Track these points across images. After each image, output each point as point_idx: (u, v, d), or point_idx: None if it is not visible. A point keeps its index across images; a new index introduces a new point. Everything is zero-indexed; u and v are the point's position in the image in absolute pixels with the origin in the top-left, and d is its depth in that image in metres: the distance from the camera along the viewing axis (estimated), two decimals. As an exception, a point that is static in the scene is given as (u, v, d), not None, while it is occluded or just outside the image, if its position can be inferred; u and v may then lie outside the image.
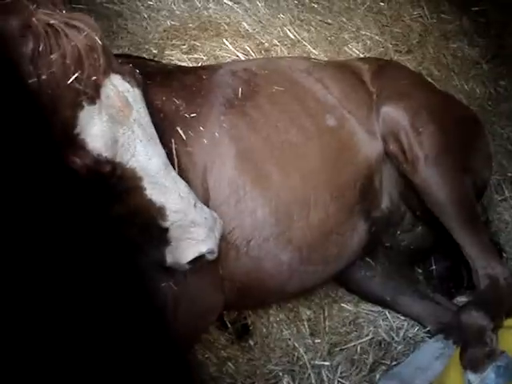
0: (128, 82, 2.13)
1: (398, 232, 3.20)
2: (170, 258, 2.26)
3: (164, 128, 2.50)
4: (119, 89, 2.09)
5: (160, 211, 2.16)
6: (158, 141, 2.19)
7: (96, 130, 2.02)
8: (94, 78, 2.01)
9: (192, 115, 2.63)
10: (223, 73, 2.90)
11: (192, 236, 2.22)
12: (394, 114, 2.99)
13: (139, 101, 2.16)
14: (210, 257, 2.29)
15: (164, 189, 2.15)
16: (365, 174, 2.95)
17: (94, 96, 2.01)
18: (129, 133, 2.09)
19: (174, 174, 2.20)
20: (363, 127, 2.97)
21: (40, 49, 1.94)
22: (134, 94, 2.14)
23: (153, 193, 2.14)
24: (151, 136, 2.16)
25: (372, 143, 2.98)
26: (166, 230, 2.20)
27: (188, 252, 2.24)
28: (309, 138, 2.84)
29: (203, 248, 2.24)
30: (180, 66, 3.31)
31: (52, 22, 1.97)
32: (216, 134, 2.65)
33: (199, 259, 2.28)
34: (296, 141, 2.81)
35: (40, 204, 1.96)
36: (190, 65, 3.62)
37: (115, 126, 2.06)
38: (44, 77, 1.93)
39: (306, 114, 2.88)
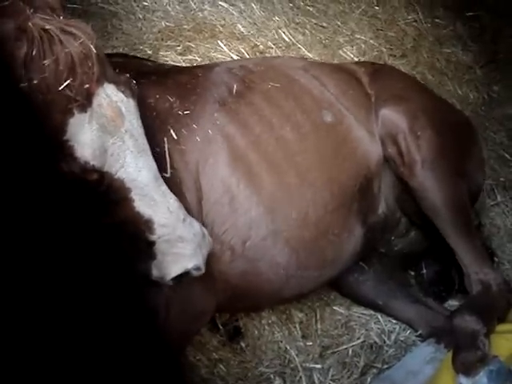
0: (122, 92, 2.10)
1: (393, 237, 3.20)
2: (155, 272, 2.22)
3: (157, 126, 2.49)
4: (112, 98, 2.07)
5: (147, 224, 2.13)
6: (149, 153, 2.16)
7: (85, 138, 1.99)
8: (87, 86, 1.99)
9: (185, 112, 2.61)
10: (219, 70, 2.89)
11: (179, 251, 2.19)
12: (392, 116, 2.99)
13: (133, 112, 2.14)
14: (196, 273, 2.25)
15: (152, 202, 2.12)
16: (364, 173, 2.95)
17: (85, 104, 1.99)
18: (119, 143, 2.06)
19: (164, 187, 2.17)
20: (362, 125, 2.97)
21: (33, 53, 1.92)
22: (127, 105, 2.11)
23: (140, 205, 2.11)
24: (143, 148, 2.13)
25: (371, 143, 2.98)
26: (153, 243, 2.17)
27: (173, 267, 2.20)
28: (305, 135, 2.82)
29: (189, 264, 2.21)
30: (176, 65, 3.29)
31: (48, 27, 1.96)
32: (209, 131, 2.63)
33: (185, 275, 2.25)
34: (291, 137, 2.79)
35: (30, 207, 1.97)
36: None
37: (105, 136, 2.03)
38: (35, 81, 1.91)
39: (301, 110, 2.87)
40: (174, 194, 2.20)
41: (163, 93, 2.62)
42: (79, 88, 1.98)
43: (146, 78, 2.63)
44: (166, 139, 2.45)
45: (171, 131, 2.52)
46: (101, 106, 2.03)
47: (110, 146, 2.04)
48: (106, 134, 2.03)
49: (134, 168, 2.09)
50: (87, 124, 2.00)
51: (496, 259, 3.43)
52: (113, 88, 2.08)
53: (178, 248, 2.18)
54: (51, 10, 2.06)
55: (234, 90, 2.78)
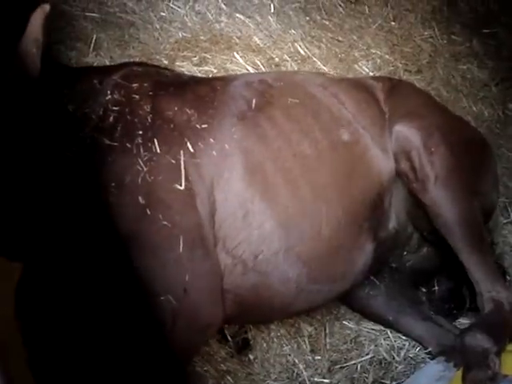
0: None
1: (405, 253, 3.19)
2: None
3: (174, 138, 2.50)
4: None
5: None
6: None
7: None
8: None
9: (203, 126, 2.62)
10: (238, 84, 2.90)
11: None
12: (406, 133, 2.99)
13: None
14: None
15: None
16: (376, 191, 2.95)
17: None
18: None
19: None
20: (377, 144, 2.97)
21: None
22: None
23: None
24: None
25: (385, 161, 2.98)
26: None
27: None
28: (322, 152, 2.82)
29: None
30: (195, 76, 3.30)
31: None
32: (226, 145, 2.63)
33: None
34: (308, 154, 2.79)
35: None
36: (201, 77, 3.63)
37: None
38: None
39: (319, 127, 2.87)
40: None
41: (182, 105, 2.63)
42: None
43: (164, 90, 2.65)
44: (182, 152, 2.47)
45: (188, 144, 2.53)
46: None
47: None
48: None
49: None
50: None
51: (508, 278, 3.41)
52: None
53: None
54: None
55: (253, 105, 2.79)
